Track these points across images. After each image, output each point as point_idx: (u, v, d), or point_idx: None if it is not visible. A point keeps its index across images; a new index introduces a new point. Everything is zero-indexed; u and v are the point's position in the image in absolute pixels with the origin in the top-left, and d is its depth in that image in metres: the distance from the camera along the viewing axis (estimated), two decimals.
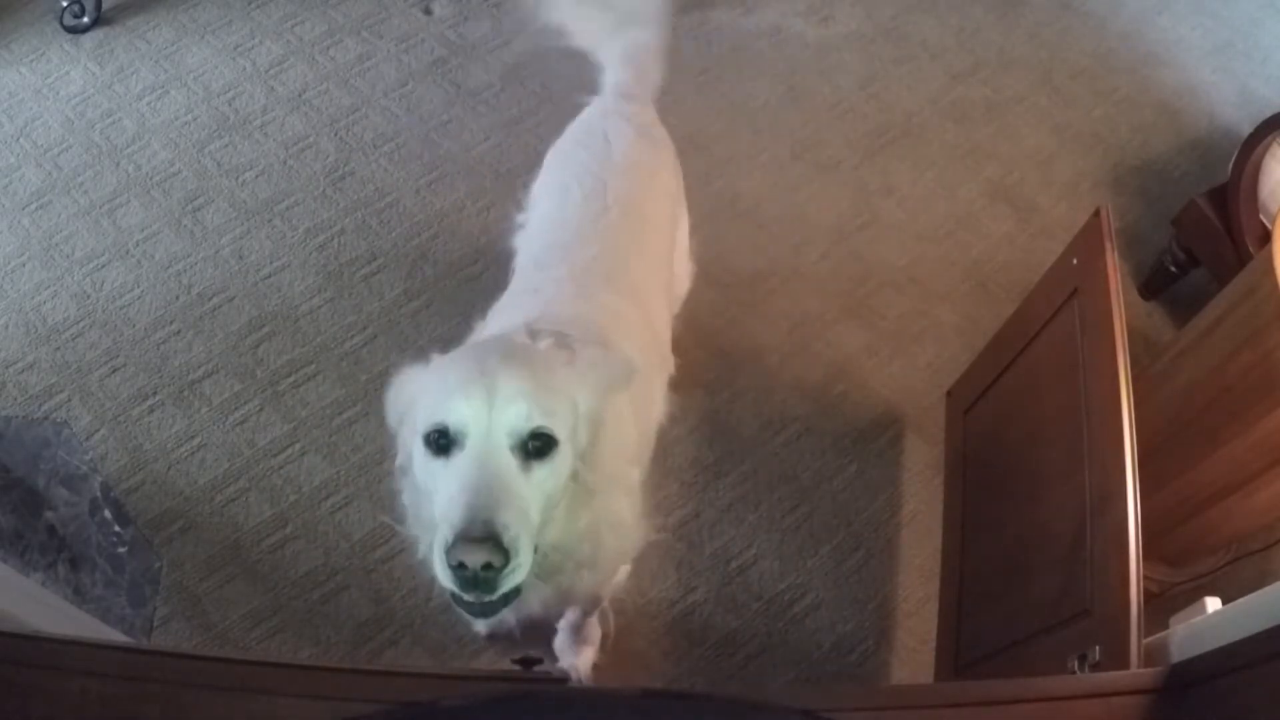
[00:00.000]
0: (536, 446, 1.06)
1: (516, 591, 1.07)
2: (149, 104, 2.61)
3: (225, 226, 2.40)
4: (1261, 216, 2.07)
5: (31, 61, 2.68)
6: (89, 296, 2.28)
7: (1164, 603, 1.77)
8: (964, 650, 1.77)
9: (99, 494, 2.00)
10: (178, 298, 2.29)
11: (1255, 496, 1.60)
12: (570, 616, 1.75)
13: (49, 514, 1.95)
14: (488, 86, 2.68)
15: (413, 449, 1.12)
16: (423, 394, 1.11)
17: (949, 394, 2.17)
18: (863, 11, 2.89)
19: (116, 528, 1.95)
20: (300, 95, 2.64)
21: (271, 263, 2.35)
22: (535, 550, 1.08)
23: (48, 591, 1.62)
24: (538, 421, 1.05)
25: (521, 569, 1.02)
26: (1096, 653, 1.22)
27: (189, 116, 2.59)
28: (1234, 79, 2.80)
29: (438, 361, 1.16)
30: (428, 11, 2.83)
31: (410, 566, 1.87)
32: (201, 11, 2.80)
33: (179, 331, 2.24)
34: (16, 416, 2.10)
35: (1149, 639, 1.19)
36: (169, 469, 2.05)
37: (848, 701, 1.06)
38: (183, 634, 1.88)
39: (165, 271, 2.33)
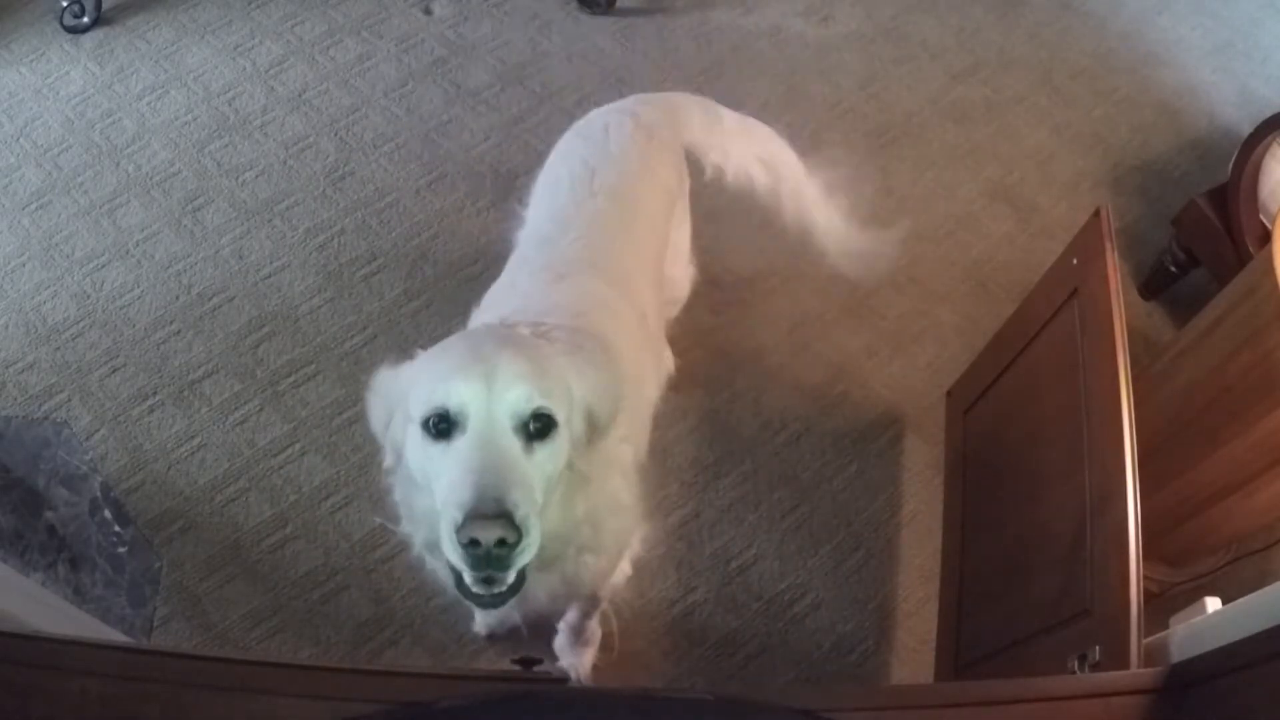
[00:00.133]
0: (538, 428, 1.05)
1: (522, 579, 1.07)
2: (149, 104, 2.61)
3: (225, 226, 2.40)
4: (1261, 216, 2.07)
5: (31, 61, 2.68)
6: (89, 296, 2.28)
7: (1164, 603, 1.77)
8: (964, 650, 1.77)
9: (99, 494, 2.00)
10: (178, 298, 2.29)
11: (1255, 496, 1.60)
12: (570, 617, 1.75)
13: (49, 514, 1.95)
14: (488, 86, 2.68)
15: (406, 440, 1.11)
16: (416, 383, 1.10)
17: (949, 394, 2.17)
18: (863, 11, 2.89)
19: (116, 528, 1.95)
20: (300, 95, 2.64)
21: (271, 263, 2.35)
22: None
23: (48, 591, 1.62)
24: (538, 402, 1.05)
25: (532, 548, 1.01)
26: (1096, 653, 1.22)
27: (189, 116, 2.59)
28: (1234, 79, 2.80)
29: (425, 354, 1.15)
30: (428, 11, 2.83)
31: (410, 566, 1.87)
32: (201, 11, 2.80)
33: (179, 331, 2.24)
34: (16, 416, 2.10)
35: (1149, 639, 1.19)
36: (169, 469, 2.05)
37: (848, 701, 1.06)
38: (183, 634, 1.88)
39: (165, 271, 2.33)
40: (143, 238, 2.38)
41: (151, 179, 2.48)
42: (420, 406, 1.07)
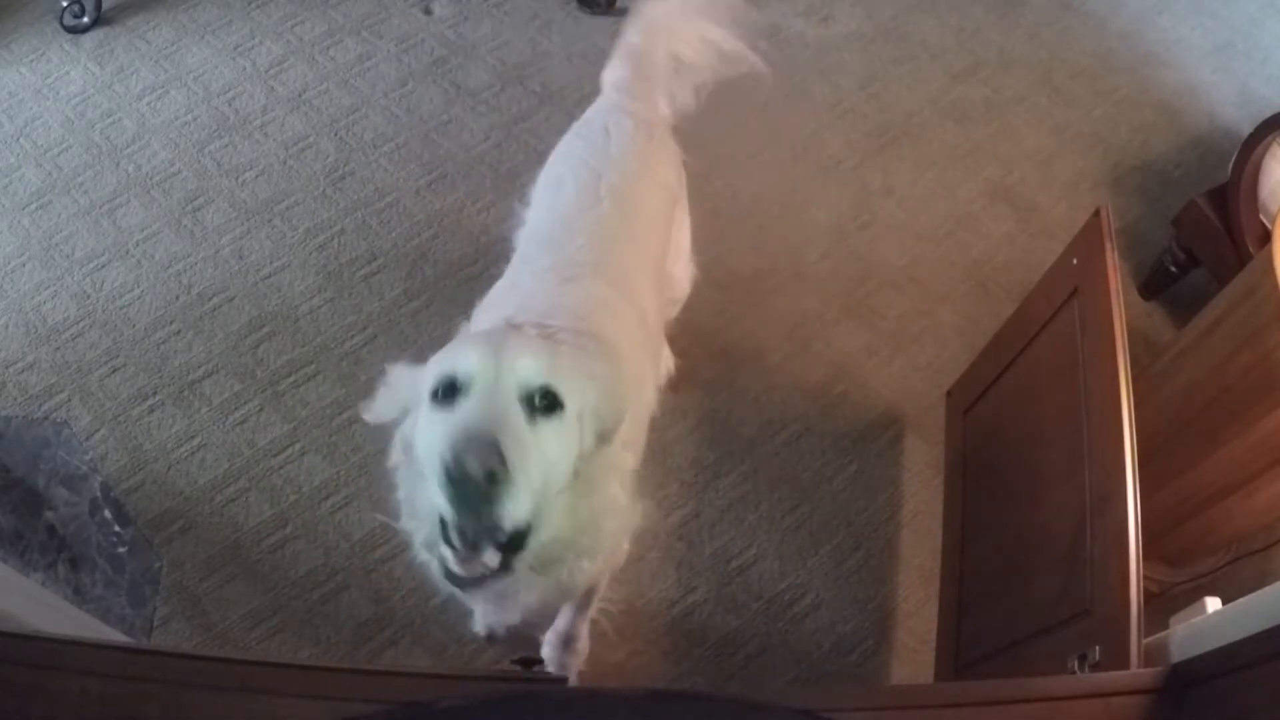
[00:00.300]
0: (544, 405, 1.05)
1: (509, 564, 1.05)
2: (149, 104, 2.61)
3: (225, 226, 2.40)
4: (1261, 216, 2.07)
5: (31, 61, 2.68)
6: (89, 296, 2.28)
7: (1164, 603, 1.77)
8: (964, 650, 1.77)
9: (99, 494, 2.00)
10: (178, 298, 2.29)
11: (1255, 496, 1.60)
12: (560, 624, 1.75)
13: (49, 514, 1.95)
14: (488, 86, 2.68)
15: (419, 419, 1.11)
16: (432, 366, 1.11)
17: (949, 394, 2.17)
18: (863, 11, 2.89)
19: (116, 528, 1.95)
20: (300, 95, 2.64)
21: (271, 263, 2.35)
22: (536, 528, 1.07)
23: (48, 591, 1.62)
24: (546, 379, 1.05)
25: (522, 501, 1.00)
26: (1096, 653, 1.22)
27: (189, 116, 2.59)
28: (1234, 79, 2.80)
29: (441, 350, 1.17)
30: (428, 11, 2.83)
31: (410, 566, 1.87)
32: (201, 11, 2.80)
33: (179, 331, 2.24)
34: (16, 416, 2.10)
35: (1149, 639, 1.19)
36: (169, 469, 2.05)
37: (848, 701, 1.06)
38: (183, 634, 1.88)
39: (165, 271, 2.33)
40: (143, 238, 2.38)
41: (151, 179, 2.48)
42: (430, 382, 1.07)
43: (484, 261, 2.32)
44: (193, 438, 2.09)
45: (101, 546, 1.93)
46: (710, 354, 2.22)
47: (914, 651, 1.92)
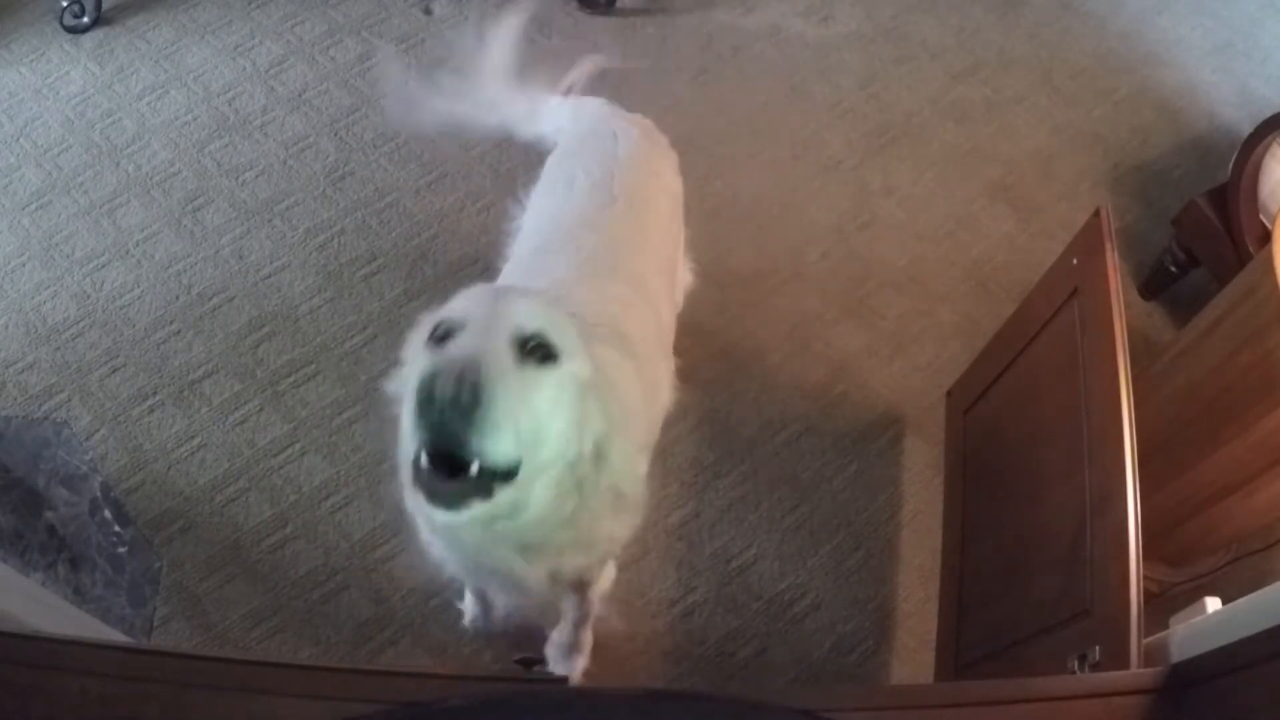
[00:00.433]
0: (538, 354, 1.02)
1: (488, 488, 0.99)
2: (149, 104, 2.61)
3: (225, 226, 2.40)
4: (1261, 216, 2.07)
5: (31, 61, 2.68)
6: (89, 296, 2.28)
7: (1164, 603, 1.77)
8: (964, 650, 1.77)
9: (99, 494, 2.00)
10: (178, 298, 2.29)
11: (1255, 496, 1.60)
12: (561, 637, 1.75)
13: (49, 514, 1.95)
14: None
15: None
16: (432, 316, 1.10)
17: (949, 394, 2.17)
18: (863, 11, 2.89)
19: (116, 528, 1.95)
20: (300, 95, 2.64)
21: (271, 263, 2.35)
22: (525, 483, 1.03)
23: (48, 591, 1.62)
24: (541, 324, 1.03)
25: (500, 438, 0.96)
26: (1096, 653, 1.22)
27: (189, 116, 2.59)
28: (1234, 79, 2.80)
29: None
30: (428, 11, 2.83)
31: (410, 566, 1.87)
32: (201, 11, 2.80)
33: (179, 331, 2.24)
34: (16, 416, 2.10)
35: (1149, 639, 1.19)
36: (169, 469, 2.05)
37: (848, 701, 1.06)
38: (183, 634, 1.88)
39: (165, 271, 2.33)
40: (143, 238, 2.38)
41: (151, 179, 2.48)
42: (428, 329, 1.07)
43: (484, 261, 2.32)
44: (193, 438, 2.09)
45: (101, 546, 1.93)
46: (710, 354, 2.22)
47: (914, 651, 1.92)
